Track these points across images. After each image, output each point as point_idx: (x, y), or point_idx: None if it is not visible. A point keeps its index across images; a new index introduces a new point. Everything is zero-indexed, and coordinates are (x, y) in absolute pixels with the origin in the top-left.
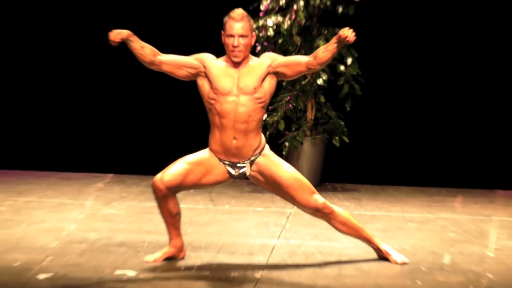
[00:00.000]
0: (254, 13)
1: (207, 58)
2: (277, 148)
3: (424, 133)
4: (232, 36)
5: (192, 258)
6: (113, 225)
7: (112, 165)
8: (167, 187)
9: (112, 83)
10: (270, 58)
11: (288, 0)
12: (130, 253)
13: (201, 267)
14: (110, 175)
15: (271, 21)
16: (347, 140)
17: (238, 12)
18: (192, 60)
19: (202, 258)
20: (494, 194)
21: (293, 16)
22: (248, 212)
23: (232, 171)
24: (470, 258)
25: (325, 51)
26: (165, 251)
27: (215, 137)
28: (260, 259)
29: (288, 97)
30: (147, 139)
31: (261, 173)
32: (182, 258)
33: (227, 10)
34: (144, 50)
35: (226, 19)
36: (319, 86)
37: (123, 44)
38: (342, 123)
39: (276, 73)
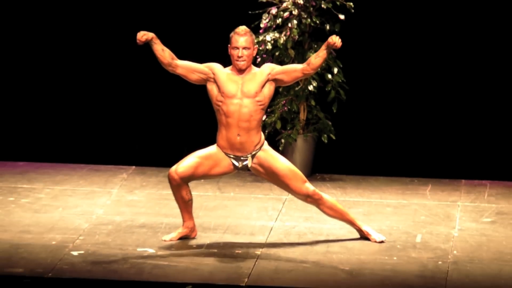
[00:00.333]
0: (255, 30)
1: (216, 66)
2: (274, 144)
3: (399, 131)
4: (237, 48)
5: (203, 238)
6: (135, 209)
7: (134, 159)
8: (181, 177)
9: (136, 92)
10: (270, 68)
11: (284, 19)
12: (150, 233)
13: (210, 245)
14: (133, 167)
15: (269, 36)
16: (334, 137)
17: (242, 28)
18: (203, 67)
19: (211, 238)
20: (459, 183)
21: (288, 33)
22: (250, 198)
23: (236, 164)
24: (438, 238)
25: (317, 57)
26: (180, 231)
27: (221, 134)
28: (260, 239)
29: (284, 101)
30: (165, 137)
31: (261, 165)
32: (194, 237)
33: (233, 27)
34: (164, 52)
35: (232, 34)
36: (310, 91)
37: (147, 45)
38: (330, 123)
39: (275, 80)
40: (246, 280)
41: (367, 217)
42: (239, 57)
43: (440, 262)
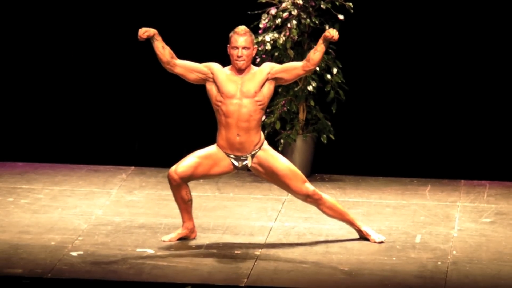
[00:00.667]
0: (254, 30)
1: (215, 66)
2: (274, 145)
3: (398, 131)
4: (236, 48)
5: (202, 238)
6: (134, 210)
7: (133, 159)
8: (180, 177)
9: (136, 92)
10: (269, 67)
11: (283, 20)
12: (149, 234)
13: (209, 246)
14: (132, 167)
15: (268, 37)
16: (333, 138)
17: (242, 28)
18: (202, 66)
19: (210, 238)
20: (458, 183)
21: (287, 33)
22: (249, 199)
23: (236, 164)
24: (437, 238)
25: (316, 52)
26: (179, 232)
27: (221, 134)
28: (260, 239)
29: (283, 101)
30: (164, 137)
31: (260, 165)
32: (194, 238)
33: (232, 27)
34: (165, 50)
35: (231, 34)
36: (309, 92)
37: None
38: (329, 123)
39: (275, 79)
40: (245, 280)
41: (367, 218)
42: (238, 57)
43: (439, 263)
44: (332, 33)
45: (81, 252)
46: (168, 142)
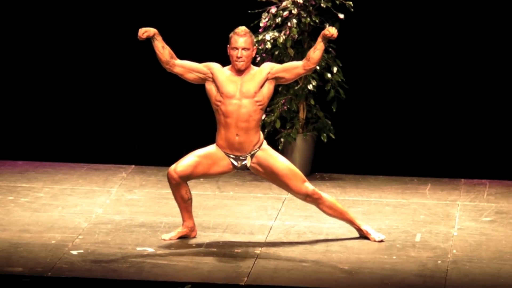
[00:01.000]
0: (254, 29)
1: (215, 66)
2: (274, 144)
3: (398, 130)
4: (236, 48)
5: (202, 237)
6: (134, 208)
7: (134, 158)
8: (180, 176)
9: (136, 91)
10: (269, 66)
11: (283, 18)
12: (149, 233)
13: (210, 244)
14: (132, 166)
15: (269, 36)
16: (333, 137)
17: (242, 28)
18: (201, 66)
19: (210, 237)
20: (458, 182)
21: (288, 32)
22: (250, 197)
23: (236, 163)
24: (437, 237)
25: (315, 50)
26: (179, 230)
27: (220, 134)
28: (260, 238)
29: (283, 100)
30: (164, 136)
31: (260, 164)
32: (194, 237)
33: (232, 27)
34: (164, 50)
35: (231, 34)
36: (309, 90)
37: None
38: (329, 122)
39: (275, 78)
40: (245, 279)
41: (367, 216)
42: (238, 57)
43: (439, 261)
44: (331, 31)
45: (81, 251)
46: (168, 141)
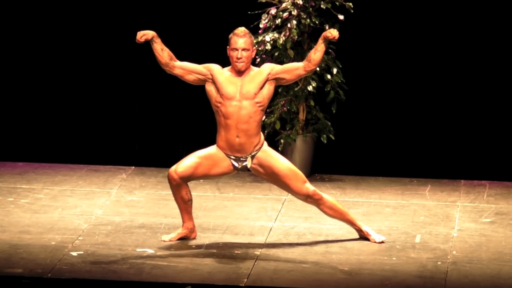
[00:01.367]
0: (254, 30)
1: (214, 67)
2: (274, 145)
3: (398, 131)
4: (236, 49)
5: (202, 238)
6: (134, 209)
7: (134, 159)
8: (180, 177)
9: (136, 92)
10: (269, 67)
11: (283, 20)
12: (149, 234)
13: (209, 246)
14: (132, 167)
15: (268, 37)
16: (333, 138)
17: (241, 29)
18: (201, 68)
19: (210, 238)
20: (458, 183)
21: (287, 33)
22: (249, 199)
23: (236, 164)
24: (437, 238)
25: (316, 52)
26: (179, 232)
27: (221, 135)
28: (260, 239)
29: (283, 101)
30: (164, 137)
31: (260, 165)
32: (194, 238)
33: (232, 27)
34: (163, 52)
35: (231, 35)
36: (309, 92)
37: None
38: (329, 123)
39: (276, 79)
40: (245, 280)
41: (367, 218)
42: (238, 58)
43: (439, 263)
44: (333, 33)
45: (81, 252)
46: (168, 142)
